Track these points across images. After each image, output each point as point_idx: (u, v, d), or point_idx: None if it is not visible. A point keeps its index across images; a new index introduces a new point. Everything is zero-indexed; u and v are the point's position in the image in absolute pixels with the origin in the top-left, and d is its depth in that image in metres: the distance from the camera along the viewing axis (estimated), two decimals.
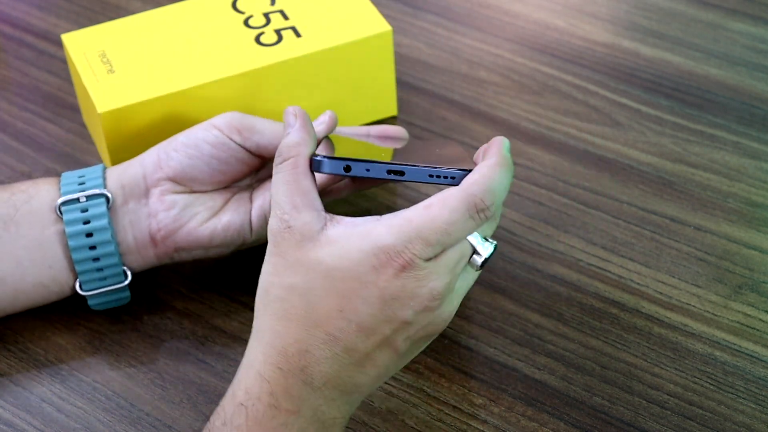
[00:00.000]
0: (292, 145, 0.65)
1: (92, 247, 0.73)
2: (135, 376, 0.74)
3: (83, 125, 0.91)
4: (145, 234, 0.75)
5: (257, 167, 0.77)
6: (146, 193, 0.75)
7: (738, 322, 0.75)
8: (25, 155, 0.89)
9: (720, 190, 0.83)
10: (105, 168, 0.76)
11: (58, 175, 0.88)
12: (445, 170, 0.65)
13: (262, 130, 0.75)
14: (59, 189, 0.75)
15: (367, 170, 0.65)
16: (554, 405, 0.71)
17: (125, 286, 0.75)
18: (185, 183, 0.75)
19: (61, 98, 0.94)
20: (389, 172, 0.66)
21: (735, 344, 0.74)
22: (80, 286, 0.74)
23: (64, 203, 0.74)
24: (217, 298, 0.78)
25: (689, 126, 0.89)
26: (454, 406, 0.71)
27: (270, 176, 0.76)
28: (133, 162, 0.76)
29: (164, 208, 0.74)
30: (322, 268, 0.61)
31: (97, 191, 0.74)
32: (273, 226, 0.63)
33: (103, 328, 0.77)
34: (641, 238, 0.80)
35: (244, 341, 0.75)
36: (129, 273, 0.75)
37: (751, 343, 0.73)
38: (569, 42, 0.97)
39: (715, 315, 0.75)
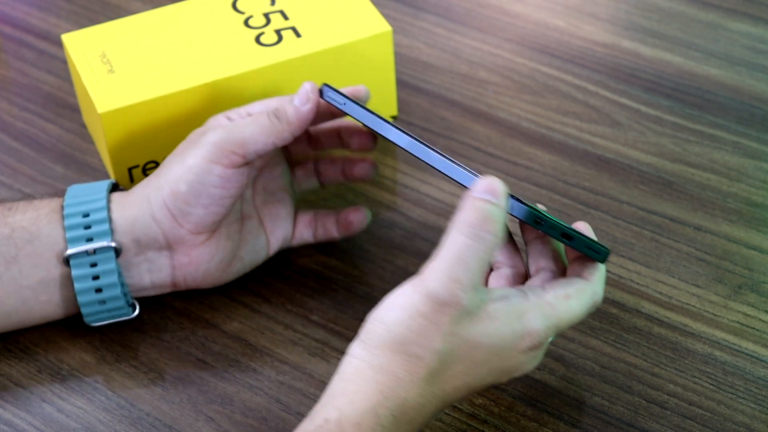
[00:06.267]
0: (500, 221, 0.62)
1: (102, 302, 0.74)
2: (135, 376, 0.74)
3: (83, 125, 0.91)
4: (167, 281, 0.75)
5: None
6: (168, 246, 0.74)
7: (738, 322, 0.75)
8: (25, 155, 0.89)
9: (720, 190, 0.83)
10: (108, 198, 0.74)
11: (57, 178, 0.87)
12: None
13: (253, 135, 0.73)
14: (62, 227, 0.73)
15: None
16: (554, 405, 0.71)
17: (133, 316, 0.76)
18: (206, 229, 0.74)
19: (61, 98, 0.94)
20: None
21: (735, 344, 0.74)
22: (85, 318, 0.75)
23: (72, 255, 0.72)
24: (217, 298, 0.78)
25: (689, 126, 0.89)
26: (454, 406, 0.71)
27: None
28: (141, 213, 0.73)
29: (192, 263, 0.74)
30: (473, 341, 0.63)
31: (105, 244, 0.72)
32: (440, 294, 0.61)
33: (103, 327, 0.77)
34: (641, 238, 0.80)
35: (244, 341, 0.75)
36: (137, 306, 0.76)
37: (751, 343, 0.73)
38: (569, 42, 0.97)
39: (715, 315, 0.75)
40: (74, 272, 0.72)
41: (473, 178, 0.65)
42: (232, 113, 0.76)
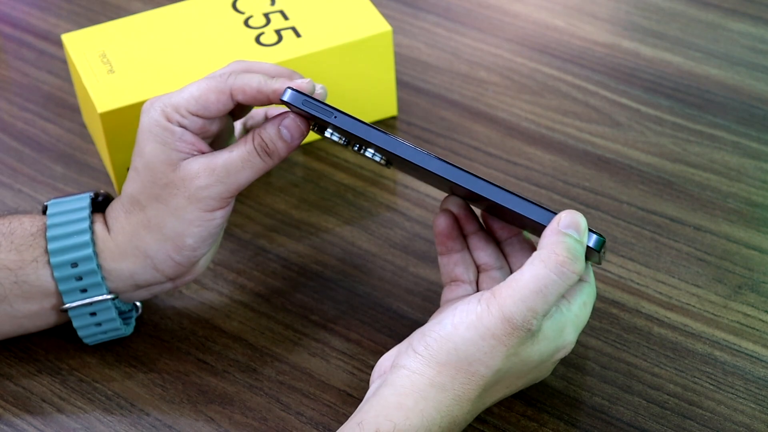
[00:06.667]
0: (583, 260, 0.64)
1: (103, 332, 0.74)
2: (135, 376, 0.74)
3: (83, 125, 0.91)
4: (168, 291, 0.75)
5: None
6: (169, 279, 0.73)
7: (738, 322, 0.75)
8: (25, 155, 0.89)
9: (720, 190, 0.83)
10: (93, 238, 0.71)
11: (57, 178, 0.87)
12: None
13: (247, 178, 0.69)
14: (51, 276, 0.71)
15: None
16: (554, 405, 0.71)
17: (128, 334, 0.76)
18: (204, 254, 0.73)
19: (61, 98, 0.94)
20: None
21: (735, 344, 0.74)
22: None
23: (70, 308, 0.72)
24: (217, 298, 0.78)
25: (689, 126, 0.89)
26: None
27: None
28: (139, 268, 0.72)
29: (191, 274, 0.74)
30: (528, 359, 0.65)
31: (103, 297, 0.71)
32: (515, 320, 0.63)
33: None
34: (641, 238, 0.80)
35: (244, 341, 0.75)
36: (140, 305, 0.76)
37: (751, 343, 0.73)
38: (569, 42, 0.97)
39: (715, 315, 0.75)
40: (75, 323, 0.72)
41: (549, 214, 0.65)
42: (171, 112, 0.70)
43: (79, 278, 0.71)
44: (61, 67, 0.96)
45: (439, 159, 0.66)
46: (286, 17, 0.87)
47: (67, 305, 0.71)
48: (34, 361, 0.75)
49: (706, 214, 0.82)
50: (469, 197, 0.69)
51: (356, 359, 0.74)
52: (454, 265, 0.71)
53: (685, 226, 0.81)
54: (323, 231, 0.82)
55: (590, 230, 0.64)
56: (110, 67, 0.84)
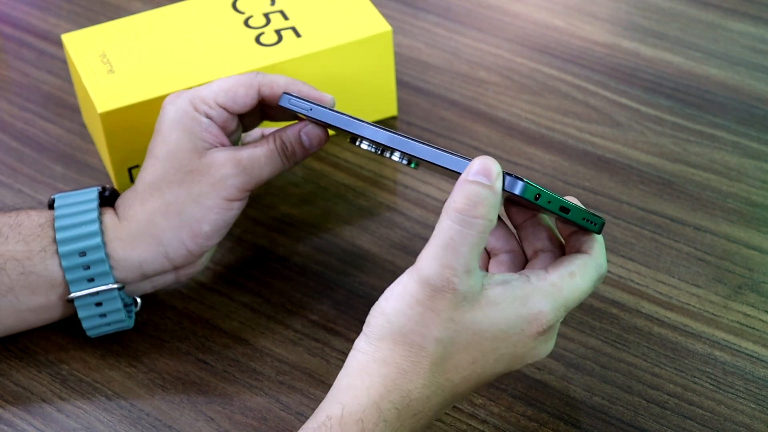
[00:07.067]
0: (490, 204, 0.60)
1: (107, 324, 0.74)
2: (135, 376, 0.74)
3: (83, 125, 0.91)
4: (169, 285, 0.76)
5: None
6: (175, 268, 0.74)
7: (738, 322, 0.75)
8: (25, 155, 0.89)
9: (720, 190, 0.83)
10: (101, 227, 0.72)
11: (57, 178, 0.87)
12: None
13: (270, 174, 0.73)
14: (59, 266, 0.71)
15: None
16: (554, 405, 0.71)
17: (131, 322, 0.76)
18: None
19: (61, 98, 0.94)
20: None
21: (735, 344, 0.74)
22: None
23: (77, 298, 0.72)
24: (217, 298, 0.78)
25: (689, 126, 0.89)
26: (454, 406, 0.71)
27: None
28: (149, 255, 0.73)
29: (194, 267, 0.75)
30: (475, 327, 0.62)
31: (110, 287, 0.72)
32: (434, 281, 0.60)
33: None
34: (641, 238, 0.80)
35: (244, 341, 0.75)
36: (139, 300, 0.76)
37: (751, 343, 0.73)
38: (569, 42, 0.97)
39: (715, 315, 0.75)
40: (80, 313, 0.73)
41: (465, 162, 0.63)
42: (199, 103, 0.73)
43: (87, 267, 0.71)
44: (61, 67, 0.96)
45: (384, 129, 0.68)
46: (286, 17, 0.87)
47: (73, 294, 0.72)
48: (34, 361, 0.75)
49: (706, 214, 0.82)
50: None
51: None
52: (499, 264, 0.70)
53: (685, 226, 0.81)
54: (323, 231, 0.82)
55: (516, 177, 0.61)
56: (110, 67, 0.84)
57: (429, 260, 0.61)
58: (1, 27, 1.01)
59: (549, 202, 0.63)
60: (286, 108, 0.72)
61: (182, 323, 0.77)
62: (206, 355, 0.75)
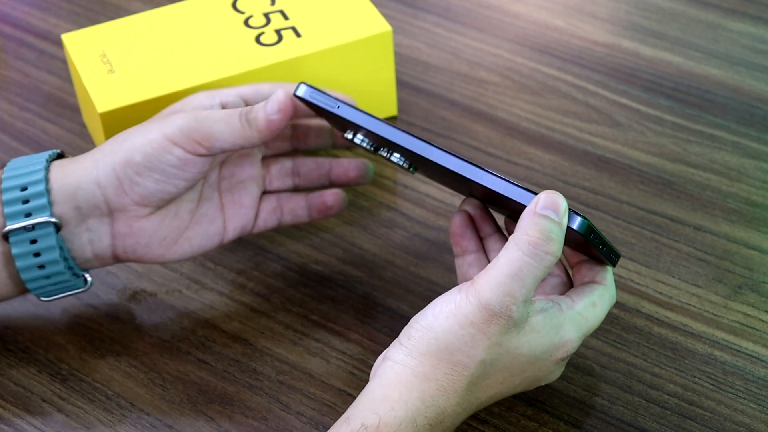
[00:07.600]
0: (560, 241, 0.62)
1: (47, 276, 0.72)
2: (135, 376, 0.74)
3: (83, 125, 0.91)
4: (107, 253, 0.73)
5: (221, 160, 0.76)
6: (109, 213, 0.72)
7: (738, 322, 0.75)
8: (25, 155, 0.89)
9: (720, 190, 0.83)
10: (48, 167, 0.71)
11: None
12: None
13: (222, 134, 0.71)
14: (0, 203, 0.70)
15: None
16: (554, 405, 0.71)
17: (87, 288, 0.74)
18: (152, 204, 0.72)
19: (61, 98, 0.94)
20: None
21: (735, 344, 0.74)
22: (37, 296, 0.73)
23: (11, 232, 0.70)
24: (217, 298, 0.78)
25: (689, 126, 0.89)
26: None
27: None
28: (84, 179, 0.71)
29: (132, 235, 0.73)
30: (516, 352, 0.64)
31: (44, 219, 0.70)
32: (494, 306, 0.62)
33: (103, 328, 0.77)
34: (641, 238, 0.80)
35: (244, 341, 0.75)
36: (89, 278, 0.74)
37: (751, 343, 0.73)
38: (569, 42, 0.97)
39: (715, 315, 0.75)
40: (14, 250, 0.70)
41: (530, 194, 0.63)
42: (218, 94, 0.75)
43: (26, 201, 0.70)
44: (61, 67, 0.97)
45: (441, 149, 0.66)
46: (286, 17, 0.87)
47: (8, 227, 0.70)
48: (34, 361, 0.75)
49: (706, 214, 0.82)
50: (485, 198, 0.69)
51: (356, 359, 0.74)
52: (468, 266, 0.71)
53: (685, 226, 0.81)
54: (323, 231, 0.82)
55: (574, 212, 0.63)
56: (110, 67, 0.84)
57: (492, 286, 0.62)
58: (1, 27, 1.01)
59: (598, 239, 0.65)
60: (301, 99, 0.71)
61: (182, 323, 0.77)
62: (206, 355, 0.75)
